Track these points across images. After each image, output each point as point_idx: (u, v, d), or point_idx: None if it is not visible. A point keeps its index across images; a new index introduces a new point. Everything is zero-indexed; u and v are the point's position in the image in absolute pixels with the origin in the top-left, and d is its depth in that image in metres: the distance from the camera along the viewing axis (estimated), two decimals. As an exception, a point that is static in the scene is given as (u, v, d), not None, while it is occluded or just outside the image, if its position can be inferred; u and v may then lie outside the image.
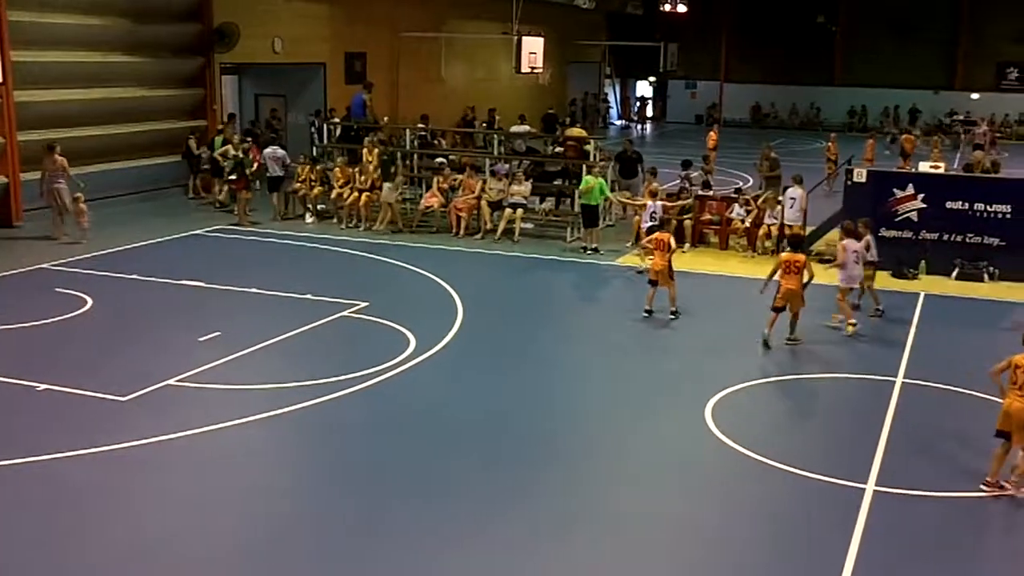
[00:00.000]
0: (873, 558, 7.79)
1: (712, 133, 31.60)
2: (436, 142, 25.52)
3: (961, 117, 44.51)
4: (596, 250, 18.70)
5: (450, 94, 33.67)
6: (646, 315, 14.09)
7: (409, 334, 13.05)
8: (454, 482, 8.99)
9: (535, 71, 31.39)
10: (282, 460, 9.67)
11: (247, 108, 28.50)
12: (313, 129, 25.64)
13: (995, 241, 17.31)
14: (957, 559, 7.97)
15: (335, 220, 20.94)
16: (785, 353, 13.08)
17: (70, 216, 18.40)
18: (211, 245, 18.87)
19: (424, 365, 12.04)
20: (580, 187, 19.05)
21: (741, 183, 25.06)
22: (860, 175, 18.25)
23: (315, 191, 21.28)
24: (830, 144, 28.03)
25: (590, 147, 21.15)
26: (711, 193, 20.82)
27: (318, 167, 21.75)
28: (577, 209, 19.65)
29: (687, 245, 19.08)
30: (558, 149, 23.26)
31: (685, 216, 19.31)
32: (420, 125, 25.18)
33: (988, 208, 17.43)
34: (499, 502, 8.62)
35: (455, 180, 20.58)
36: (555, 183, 21.53)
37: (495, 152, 22.91)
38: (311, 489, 8.88)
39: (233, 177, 20.71)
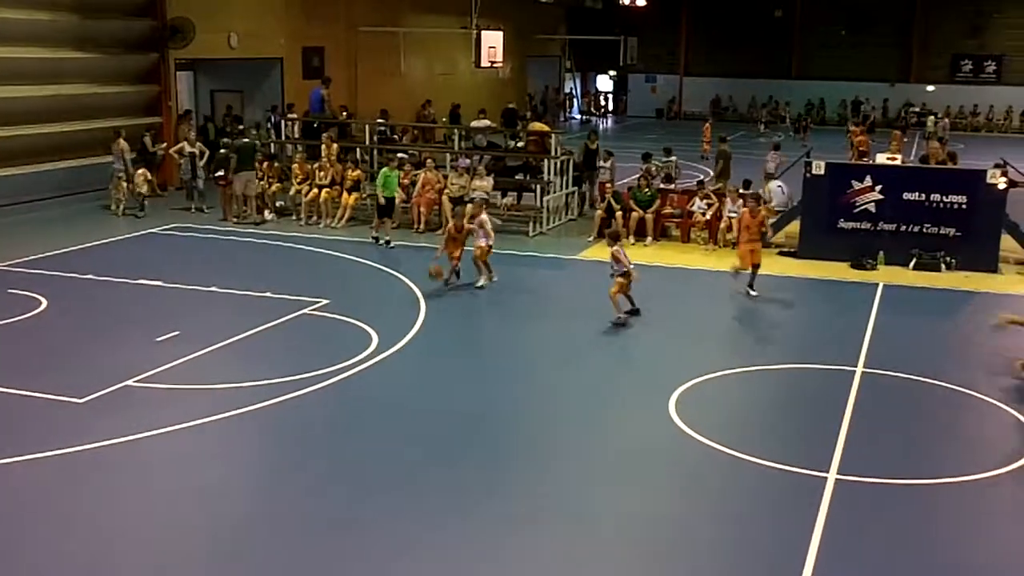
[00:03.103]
0: (836, 546, 7.90)
1: (706, 127, 32.37)
2: (396, 137, 25.46)
3: (917, 109, 45.21)
4: (388, 243, 18.53)
5: (409, 89, 33.60)
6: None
7: (371, 331, 13.03)
8: (418, 479, 8.99)
9: (495, 65, 31.42)
10: (243, 460, 9.61)
11: (203, 104, 28.24)
12: (270, 125, 25.48)
13: (951, 231, 17.60)
14: (919, 546, 8.09)
15: (295, 217, 20.84)
16: (747, 344, 13.22)
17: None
18: (168, 243, 18.69)
19: (386, 362, 12.02)
20: (377, 181, 19.02)
21: (703, 176, 25.24)
22: (818, 167, 18.47)
23: (273, 188, 21.16)
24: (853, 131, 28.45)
25: (552, 141, 21.21)
26: (673, 187, 20.99)
27: (276, 164, 21.62)
28: (539, 203, 19.68)
29: (649, 239, 19.23)
30: (519, 144, 23.31)
31: (647, 211, 19.44)
32: (380, 120, 25.11)
33: (944, 199, 17.71)
34: (463, 499, 8.64)
35: (415, 175, 20.55)
36: (517, 178, 21.57)
37: (456, 147, 22.89)
38: (272, 489, 8.84)
39: (221, 173, 20.48)
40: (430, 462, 9.36)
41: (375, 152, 22.80)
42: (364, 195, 20.73)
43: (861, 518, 8.45)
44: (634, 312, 13.93)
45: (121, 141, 21.10)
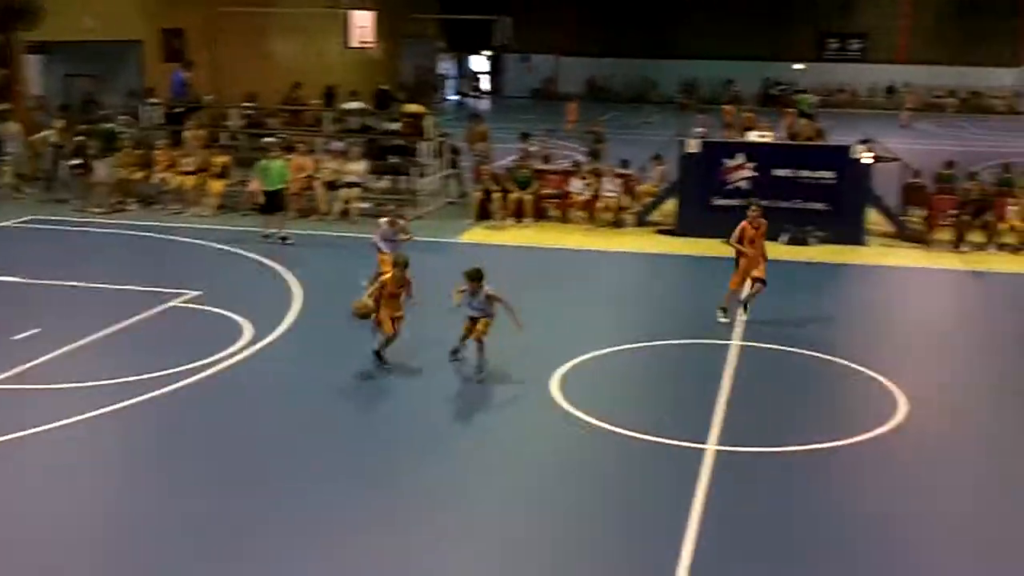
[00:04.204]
0: (716, 515, 8.23)
1: (571, 106, 32.58)
2: (265, 121, 24.98)
3: (785, 87, 46.68)
4: (284, 239, 17.32)
5: (277, 71, 32.99)
6: None
7: (244, 322, 12.85)
8: (295, 471, 8.96)
9: (366, 46, 31.11)
10: (114, 460, 9.40)
11: (57, 89, 27.16)
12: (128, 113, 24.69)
13: (820, 206, 18.34)
14: (799, 514, 8.48)
15: (159, 206, 20.31)
16: (628, 322, 13.55)
17: None
18: (26, 237, 17.99)
19: (261, 354, 11.89)
20: (255, 171, 17.68)
21: (580, 156, 25.58)
22: (692, 145, 18.98)
23: (136, 175, 20.57)
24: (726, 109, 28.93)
25: (427, 123, 21.19)
26: (551, 167, 21.25)
27: (138, 151, 21.01)
28: (414, 186, 19.65)
29: (527, 220, 19.45)
30: (394, 126, 23.18)
31: (527, 191, 19.65)
32: (247, 104, 24.61)
33: (813, 175, 18.45)
34: (342, 488, 8.65)
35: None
36: (391, 160, 21.48)
37: (329, 130, 22.64)
38: (146, 489, 8.68)
39: (79, 161, 19.75)
40: (306, 453, 9.33)
41: (242, 137, 22.36)
42: (233, 181, 20.33)
43: (739, 487, 8.82)
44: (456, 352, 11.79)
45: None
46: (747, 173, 18.65)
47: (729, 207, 18.45)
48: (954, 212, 18.28)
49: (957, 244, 17.96)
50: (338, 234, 18.34)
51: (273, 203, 17.55)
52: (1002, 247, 17.95)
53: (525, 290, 14.35)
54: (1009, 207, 18.22)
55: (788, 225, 18.21)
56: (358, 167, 19.87)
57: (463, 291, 11.30)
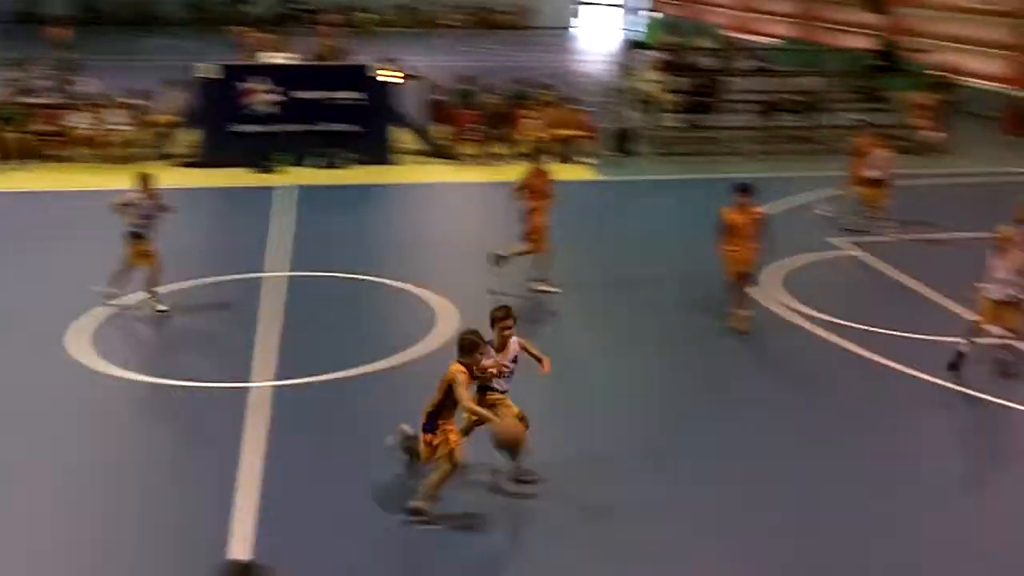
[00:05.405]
0: (276, 449, 8.02)
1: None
2: None
3: (307, 6, 46.01)
4: None
5: None
6: None
7: None
8: None
9: None
10: None
11: None
12: None
13: (349, 127, 18.33)
14: (362, 435, 8.37)
15: None
16: (165, 264, 12.54)
17: None
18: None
19: None
20: None
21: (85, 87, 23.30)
22: (209, 70, 18.02)
23: None
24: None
25: None
26: (43, 100, 18.98)
27: None
28: None
29: (17, 161, 17.36)
30: None
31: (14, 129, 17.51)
32: None
33: (339, 96, 18.37)
34: None
35: None
36: None
37: None
38: None
39: None
40: None
41: None
42: None
43: (299, 418, 8.63)
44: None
45: None
46: (268, 97, 18.13)
47: (253, 133, 17.96)
48: (476, 126, 19.13)
49: (482, 157, 18.85)
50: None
51: None
52: (524, 156, 19.10)
53: (23, 243, 12.80)
54: (525, 119, 19.39)
55: (318, 148, 18.07)
56: None
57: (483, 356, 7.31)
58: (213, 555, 6.34)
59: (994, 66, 23.57)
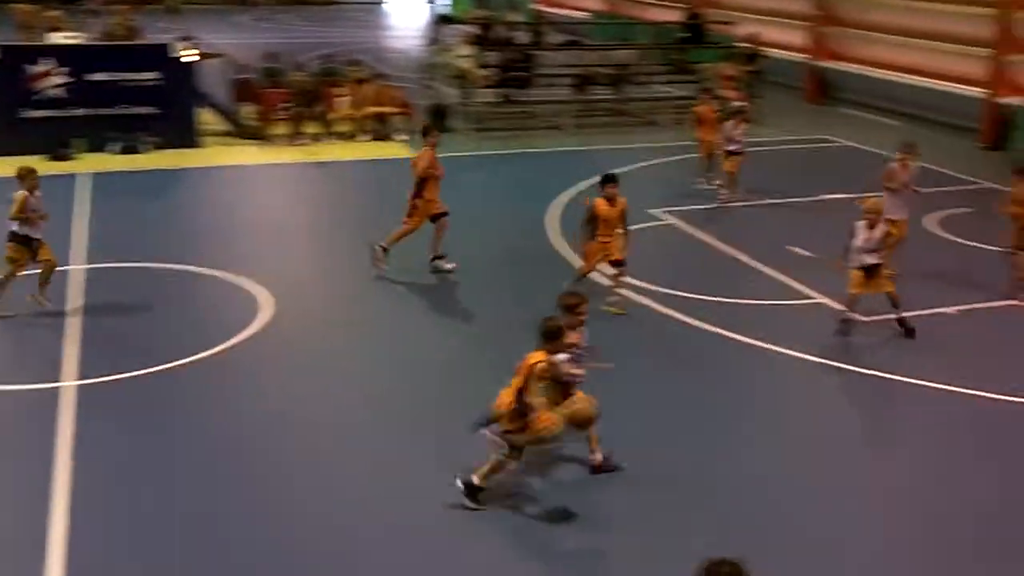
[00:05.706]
0: (87, 452, 7.58)
1: None
2: None
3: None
4: None
5: None
6: None
7: None
8: None
9: None
10: None
11: None
12: None
13: (148, 110, 17.43)
14: (171, 434, 7.99)
15: None
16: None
17: None
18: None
19: None
20: None
21: None
22: (-14, 52, 16.82)
23: None
24: None
25: None
26: None
27: None
28: None
29: None
30: None
31: None
32: None
33: (135, 77, 17.43)
34: None
35: None
36: None
37: None
38: None
39: None
40: None
41: None
42: None
43: (106, 420, 8.15)
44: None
45: None
46: (58, 80, 17.05)
47: (44, 119, 16.86)
48: (286, 105, 18.53)
49: (293, 137, 18.29)
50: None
51: None
52: (337, 135, 18.68)
53: None
54: (337, 97, 18.92)
55: (115, 133, 17.15)
56: None
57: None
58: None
59: (795, 37, 24.51)
